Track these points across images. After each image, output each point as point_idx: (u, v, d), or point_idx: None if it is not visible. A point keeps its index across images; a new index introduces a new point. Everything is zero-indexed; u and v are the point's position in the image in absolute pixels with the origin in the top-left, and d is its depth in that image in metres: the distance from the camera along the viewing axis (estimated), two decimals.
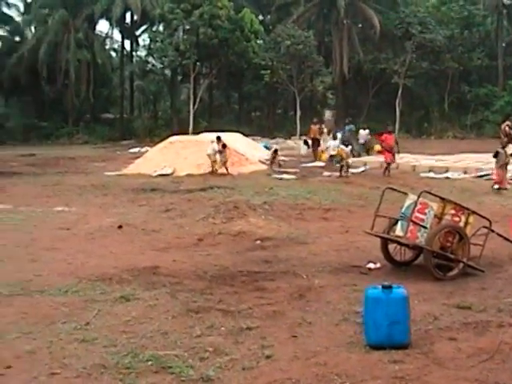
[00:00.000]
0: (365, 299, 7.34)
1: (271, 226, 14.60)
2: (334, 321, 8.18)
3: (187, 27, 49.96)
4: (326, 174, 26.24)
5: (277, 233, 14.03)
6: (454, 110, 58.13)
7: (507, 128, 24.97)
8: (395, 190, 11.86)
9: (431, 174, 25.31)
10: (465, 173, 26.04)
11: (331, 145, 28.92)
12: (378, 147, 26.47)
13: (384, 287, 7.15)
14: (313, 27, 56.24)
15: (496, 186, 20.98)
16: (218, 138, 26.36)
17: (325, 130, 33.50)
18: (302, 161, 31.73)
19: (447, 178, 25.12)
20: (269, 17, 64.26)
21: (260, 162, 29.46)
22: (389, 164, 25.81)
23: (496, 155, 20.89)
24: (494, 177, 21.83)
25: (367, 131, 35.11)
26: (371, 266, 10.93)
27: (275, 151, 28.66)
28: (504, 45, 61.90)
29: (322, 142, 32.74)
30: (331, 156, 28.18)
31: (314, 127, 34.81)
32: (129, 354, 7.13)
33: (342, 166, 25.32)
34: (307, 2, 58.04)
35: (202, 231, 14.32)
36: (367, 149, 33.53)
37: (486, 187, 21.78)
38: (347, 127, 36.39)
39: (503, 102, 55.69)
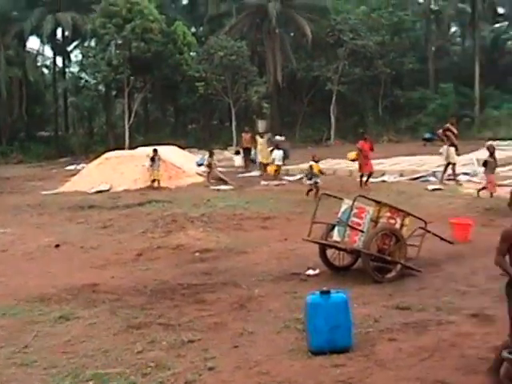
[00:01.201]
0: (305, 306, 7.37)
1: (210, 238, 14.56)
2: (275, 329, 8.19)
3: (119, 42, 49.45)
4: (264, 182, 26.29)
5: (216, 244, 13.99)
6: (388, 114, 58.96)
7: (448, 130, 24.41)
8: (331, 195, 11.94)
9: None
10: (401, 175, 26.34)
11: (277, 155, 28.08)
12: (352, 155, 24.53)
13: (322, 292, 7.19)
14: (246, 37, 56.34)
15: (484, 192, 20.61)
16: (155, 151, 26.28)
17: (260, 140, 31.99)
18: (239, 171, 31.70)
19: (384, 181, 25.40)
20: (201, 28, 64.25)
21: (197, 174, 29.36)
22: (370, 174, 23.80)
23: (485, 164, 20.44)
24: (483, 185, 21.43)
25: (283, 138, 35.01)
26: (311, 272, 10.98)
27: (209, 165, 28.15)
28: (434, 49, 63.11)
29: (257, 152, 32.08)
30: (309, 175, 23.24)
31: (246, 136, 34.35)
32: (70, 374, 7.04)
33: (316, 183, 21.61)
34: (239, 12, 58.20)
35: (140, 246, 14.19)
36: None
37: (422, 189, 22.13)
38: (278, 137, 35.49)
39: (436, 104, 56.70)
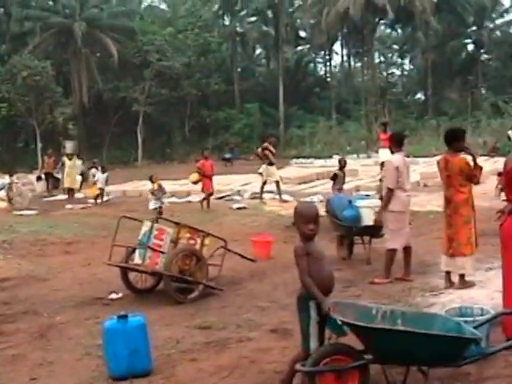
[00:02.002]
0: (103, 331, 7.26)
1: (11, 266, 13.99)
2: (76, 356, 7.97)
3: None
4: (69, 206, 25.73)
5: (17, 272, 13.45)
6: (195, 134, 59.75)
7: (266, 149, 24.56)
8: (130, 218, 11.83)
9: (173, 199, 25.55)
10: None
11: (100, 178, 26.72)
12: (194, 176, 23.07)
13: (120, 317, 7.11)
14: (50, 57, 55.13)
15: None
16: None
17: (68, 162, 29.32)
18: (44, 195, 30.77)
19: (189, 201, 25.63)
20: (3, 47, 62.17)
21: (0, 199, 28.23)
22: (210, 194, 23.17)
23: (334, 177, 19.68)
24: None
25: (80, 161, 32.49)
26: (113, 296, 10.84)
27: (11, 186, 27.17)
28: (239, 70, 64.82)
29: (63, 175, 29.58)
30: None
31: (49, 160, 32.80)
32: None
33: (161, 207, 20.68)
34: (43, 31, 56.86)
35: None
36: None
37: (227, 208, 22.56)
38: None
39: (241, 124, 58.23)
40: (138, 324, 7.14)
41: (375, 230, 12.22)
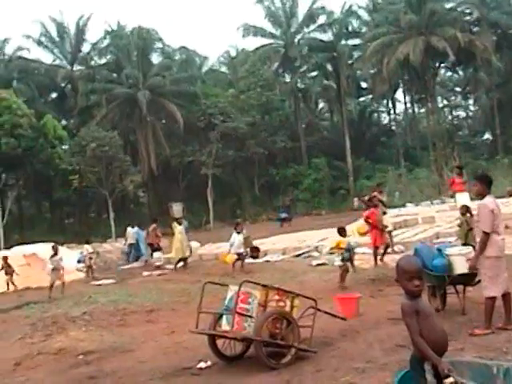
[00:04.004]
0: None
1: (93, 338, 13.73)
2: None
3: None
4: (146, 273, 25.60)
5: (100, 344, 13.16)
6: (264, 192, 59.74)
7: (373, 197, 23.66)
8: (214, 283, 11.47)
9: (250, 260, 25.12)
10: (283, 254, 26.27)
11: (236, 240, 23.18)
12: (363, 227, 20.40)
13: None
14: (117, 127, 56.16)
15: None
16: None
17: (178, 228, 26.34)
18: (120, 263, 30.80)
19: (267, 261, 25.21)
20: (72, 121, 63.70)
21: (77, 270, 28.37)
22: (387, 247, 20.37)
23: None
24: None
25: (136, 229, 31.54)
26: (202, 365, 10.39)
27: (90, 258, 27.43)
28: (304, 126, 64.81)
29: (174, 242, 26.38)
30: None
31: (153, 232, 29.10)
32: None
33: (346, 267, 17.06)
34: (109, 102, 58.07)
35: (18, 354, 13.16)
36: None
37: (306, 265, 22.05)
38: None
39: (310, 179, 58.01)
40: None
41: (469, 278, 11.63)
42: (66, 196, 57.00)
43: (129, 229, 31.67)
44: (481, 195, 10.60)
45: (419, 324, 5.53)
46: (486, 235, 10.13)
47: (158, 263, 27.30)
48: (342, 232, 17.21)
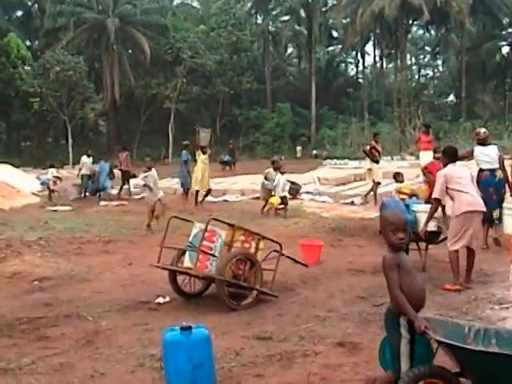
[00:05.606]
0: (163, 344, 6.62)
1: (49, 264, 13.42)
2: (128, 368, 7.26)
3: None
4: (103, 203, 25.30)
5: (56, 271, 12.85)
6: (226, 132, 59.28)
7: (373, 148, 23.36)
8: (180, 218, 11.27)
9: (210, 198, 24.80)
10: (242, 195, 26.19)
11: (280, 182, 20.86)
12: (406, 187, 15.13)
13: (183, 328, 6.48)
14: (83, 53, 55.00)
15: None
16: None
17: (202, 157, 23.63)
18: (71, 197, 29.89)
19: (225, 200, 25.09)
20: (37, 42, 62.20)
21: (33, 194, 27.91)
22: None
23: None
24: None
25: (101, 162, 28.84)
26: (160, 300, 10.24)
27: (54, 182, 26.80)
28: (270, 69, 64.30)
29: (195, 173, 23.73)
30: None
31: (121, 155, 28.61)
32: None
33: None
34: (77, 27, 56.76)
35: None
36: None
37: None
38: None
39: (272, 123, 57.80)
40: (202, 336, 6.48)
41: (433, 236, 11.68)
42: (24, 118, 55.78)
43: (83, 157, 28.43)
44: (444, 165, 10.83)
45: (399, 278, 5.44)
46: (436, 201, 10.66)
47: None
48: (397, 177, 16.19)
